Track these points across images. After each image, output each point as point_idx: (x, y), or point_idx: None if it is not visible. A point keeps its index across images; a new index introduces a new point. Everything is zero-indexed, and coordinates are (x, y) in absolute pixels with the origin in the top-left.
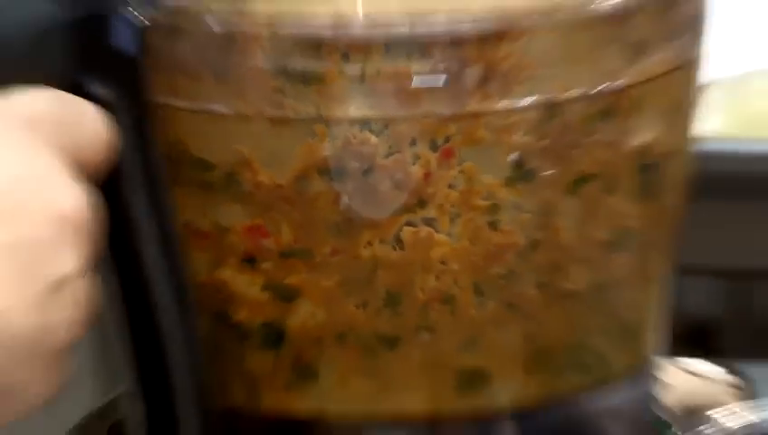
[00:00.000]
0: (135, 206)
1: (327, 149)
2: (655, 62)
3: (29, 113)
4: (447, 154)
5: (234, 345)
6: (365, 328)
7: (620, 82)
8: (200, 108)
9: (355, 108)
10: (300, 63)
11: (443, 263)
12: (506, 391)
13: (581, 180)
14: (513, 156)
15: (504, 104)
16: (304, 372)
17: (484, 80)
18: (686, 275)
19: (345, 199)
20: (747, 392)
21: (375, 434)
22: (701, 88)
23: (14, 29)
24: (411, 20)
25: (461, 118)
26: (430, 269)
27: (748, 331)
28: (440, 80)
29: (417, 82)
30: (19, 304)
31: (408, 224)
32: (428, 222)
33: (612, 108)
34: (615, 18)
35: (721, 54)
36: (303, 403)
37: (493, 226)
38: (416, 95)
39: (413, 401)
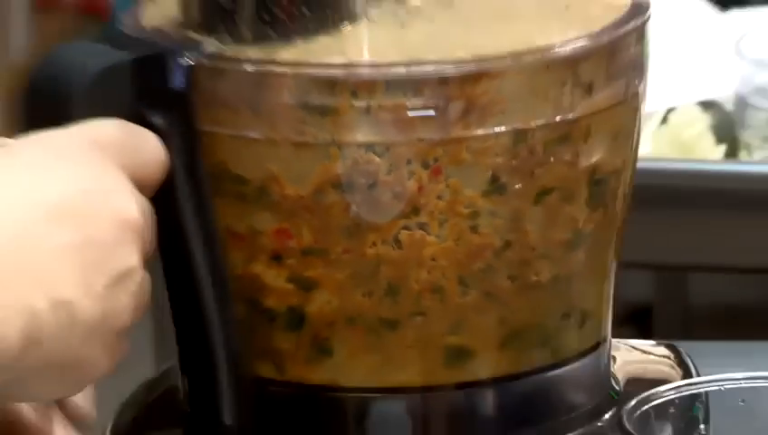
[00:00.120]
0: (185, 213)
1: (339, 168)
2: (602, 97)
3: (99, 138)
4: (436, 172)
5: (263, 327)
6: (370, 313)
7: (574, 114)
8: (238, 134)
9: (362, 135)
10: (318, 99)
11: (433, 260)
12: (485, 365)
13: (544, 193)
14: (489, 173)
15: (481, 132)
16: (321, 350)
17: (466, 112)
18: (628, 268)
19: (354, 208)
20: (684, 367)
21: (378, 401)
22: (641, 118)
23: (88, 70)
24: (407, 64)
25: (447, 142)
26: (423, 265)
27: (678, 315)
28: (430, 112)
29: (411, 113)
30: (87, 294)
31: (405, 228)
32: (421, 226)
33: (568, 135)
34: (570, 62)
35: (654, 90)
36: (320, 375)
37: (473, 229)
38: (411, 124)
39: (409, 373)
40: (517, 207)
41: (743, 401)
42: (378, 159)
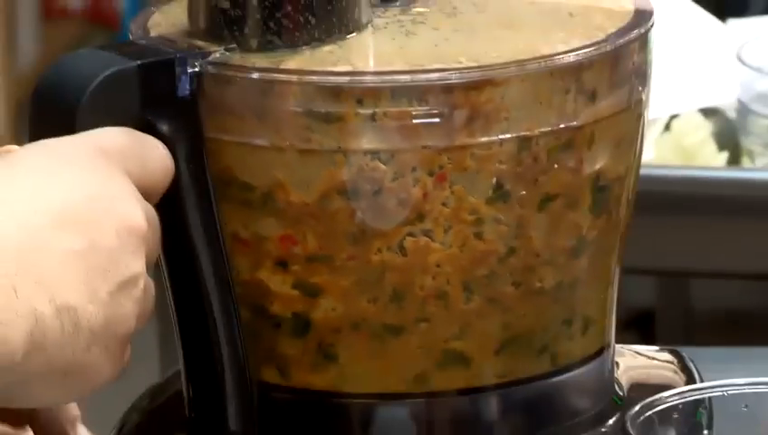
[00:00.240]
0: (190, 220)
1: (345, 175)
2: (606, 105)
3: (105, 145)
4: (441, 179)
5: (269, 333)
6: (375, 319)
7: (578, 122)
8: (244, 141)
9: (367, 142)
10: (323, 107)
11: (438, 266)
12: (489, 370)
13: (548, 199)
14: (494, 180)
15: (485, 139)
16: (325, 356)
17: (470, 120)
18: (631, 274)
19: (359, 215)
20: (687, 373)
21: (382, 407)
22: (645, 125)
23: (94, 78)
24: (411, 72)
25: (452, 150)
26: (427, 271)
27: (680, 320)
28: (435, 119)
29: (416, 121)
30: (92, 300)
31: (410, 234)
32: (426, 233)
33: (572, 142)
34: (574, 69)
35: (656, 97)
36: (325, 381)
37: (478, 236)
38: (415, 131)
39: (413, 379)
40: (521, 214)
41: (746, 406)
42: (383, 166)
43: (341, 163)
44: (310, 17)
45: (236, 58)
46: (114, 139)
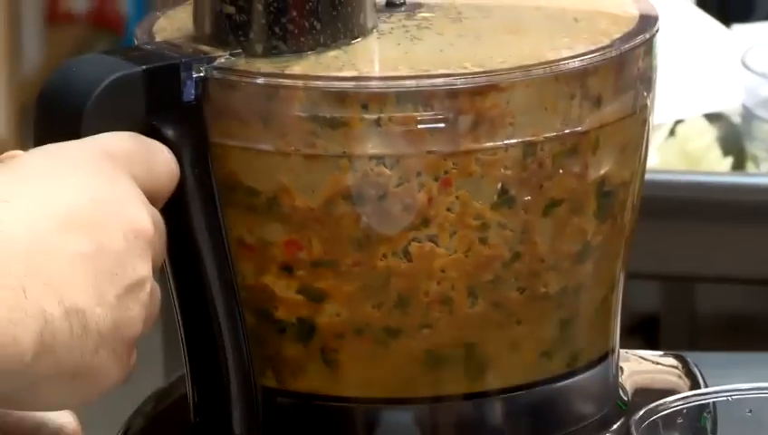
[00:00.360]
0: (195, 224)
1: (350, 180)
2: (611, 110)
3: (111, 149)
4: (446, 184)
5: (273, 337)
6: (379, 324)
7: (583, 127)
8: (249, 146)
9: (372, 147)
10: (328, 112)
11: (443, 271)
12: (494, 376)
13: (553, 205)
14: (499, 186)
15: (490, 144)
16: (330, 360)
17: (475, 125)
18: (635, 278)
19: (364, 220)
20: (691, 378)
21: (387, 412)
22: (650, 130)
23: (99, 82)
24: (416, 77)
25: (457, 155)
26: (433, 276)
27: (684, 325)
28: (440, 124)
29: (421, 126)
30: (100, 303)
31: (415, 240)
32: (431, 238)
33: (577, 147)
34: (579, 75)
35: (661, 102)
36: (329, 385)
37: (483, 241)
38: (421, 137)
39: (418, 384)
40: (526, 219)
41: (750, 411)
42: (388, 171)
43: (346, 168)
44: (315, 22)
45: (242, 63)
46: (120, 143)
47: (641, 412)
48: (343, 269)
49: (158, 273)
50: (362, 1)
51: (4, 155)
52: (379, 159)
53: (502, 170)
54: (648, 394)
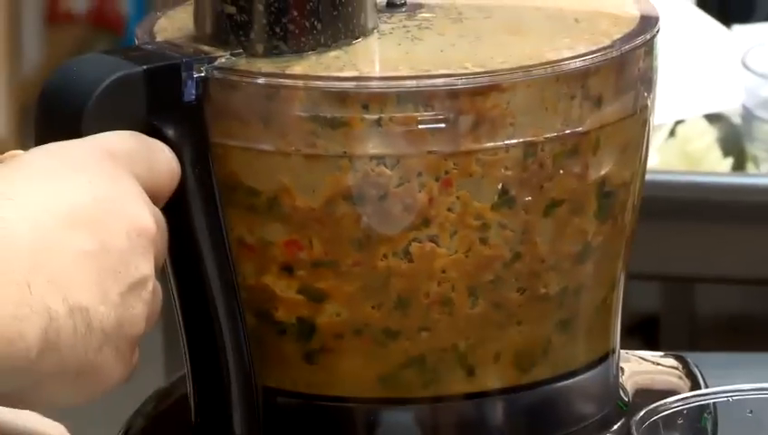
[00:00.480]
0: (196, 224)
1: (350, 180)
2: (611, 110)
3: (112, 148)
4: (447, 184)
5: (273, 337)
6: (379, 325)
7: (584, 127)
8: (250, 146)
9: (373, 147)
10: (329, 112)
11: (443, 271)
12: (494, 376)
13: (553, 205)
14: (499, 186)
15: (491, 144)
16: (329, 360)
17: (476, 125)
18: (635, 279)
19: (365, 220)
20: (692, 378)
21: (387, 411)
22: (650, 130)
23: (100, 82)
24: (417, 78)
25: (457, 155)
26: (433, 277)
27: (684, 325)
28: (441, 125)
29: (422, 126)
30: (103, 301)
31: (415, 240)
32: (432, 238)
33: (577, 147)
34: (579, 75)
35: (662, 103)
36: (329, 385)
37: (483, 241)
38: (421, 137)
39: (417, 384)
40: (527, 220)
41: (750, 411)
42: (388, 171)
43: (347, 168)
44: (316, 23)
45: (242, 63)
46: (121, 142)
47: (642, 413)
48: (344, 269)
49: (159, 273)
50: (363, 1)
51: (5, 155)
52: (379, 159)
53: (502, 171)
54: (648, 395)
